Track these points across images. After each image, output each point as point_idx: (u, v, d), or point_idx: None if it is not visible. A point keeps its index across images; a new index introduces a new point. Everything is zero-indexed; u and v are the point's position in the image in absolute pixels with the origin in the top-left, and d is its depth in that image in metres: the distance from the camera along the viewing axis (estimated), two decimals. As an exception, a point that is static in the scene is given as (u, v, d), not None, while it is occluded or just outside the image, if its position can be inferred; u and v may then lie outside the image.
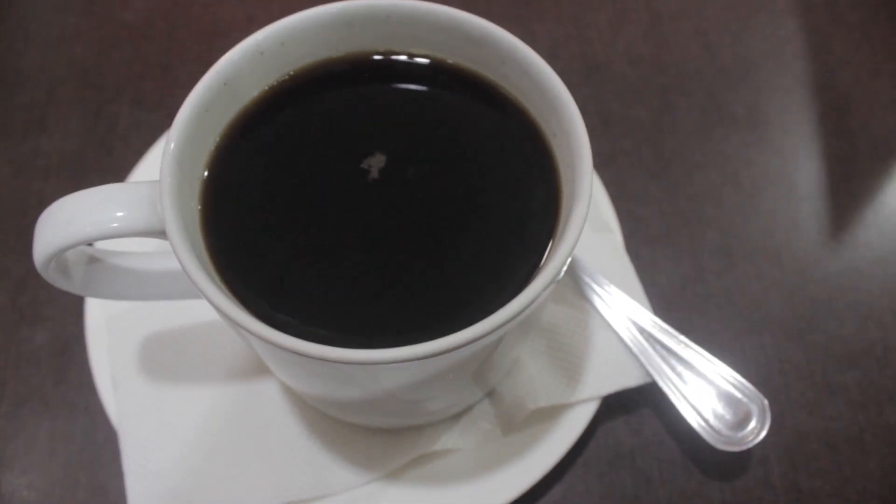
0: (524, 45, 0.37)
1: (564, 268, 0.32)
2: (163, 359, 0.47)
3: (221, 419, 0.45)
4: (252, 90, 0.38)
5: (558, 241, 0.33)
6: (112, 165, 0.60)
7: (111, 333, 0.47)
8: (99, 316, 0.48)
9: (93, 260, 0.39)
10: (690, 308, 0.54)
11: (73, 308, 0.52)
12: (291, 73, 0.39)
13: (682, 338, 0.47)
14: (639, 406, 0.50)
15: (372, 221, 0.36)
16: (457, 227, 0.36)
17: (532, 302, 0.31)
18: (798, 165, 0.60)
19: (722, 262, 0.56)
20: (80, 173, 0.60)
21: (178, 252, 0.31)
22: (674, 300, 0.54)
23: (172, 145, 0.33)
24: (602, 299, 0.48)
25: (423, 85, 0.40)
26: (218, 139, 0.37)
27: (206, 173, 0.36)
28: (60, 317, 0.53)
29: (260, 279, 0.34)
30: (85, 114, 0.63)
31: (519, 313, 0.30)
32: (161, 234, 0.33)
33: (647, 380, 0.47)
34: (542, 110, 0.37)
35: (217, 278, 0.33)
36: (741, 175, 0.60)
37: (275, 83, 0.39)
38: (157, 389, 0.46)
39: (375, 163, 0.37)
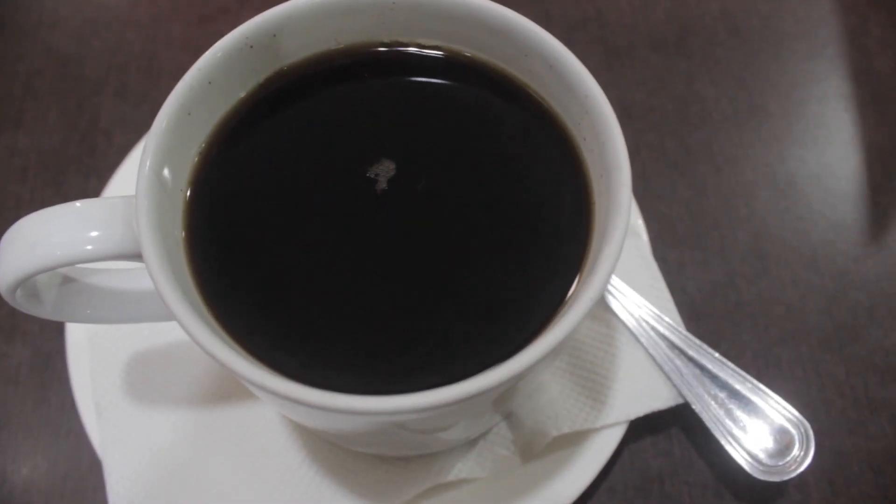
0: (550, 37, 0.32)
1: (599, 297, 0.28)
2: (149, 380, 0.43)
3: (214, 446, 0.42)
4: (240, 90, 0.34)
5: (592, 267, 0.29)
6: (95, 165, 0.56)
7: (93, 352, 0.43)
8: (80, 333, 0.44)
9: (67, 280, 0.35)
10: (721, 317, 0.50)
11: (53, 321, 0.48)
12: (285, 69, 0.35)
13: (717, 355, 0.43)
14: (667, 425, 0.46)
15: (379, 240, 0.31)
16: (475, 249, 0.31)
17: (561, 341, 0.27)
18: (836, 160, 0.56)
19: (754, 266, 0.52)
20: (59, 174, 0.55)
21: (158, 284, 0.27)
22: (703, 308, 0.50)
23: (149, 159, 0.29)
24: (629, 312, 0.44)
25: (434, 81, 0.35)
26: (203, 147, 0.32)
27: (189, 187, 0.31)
28: (40, 331, 0.49)
29: (254, 311, 0.30)
30: (64, 108, 0.58)
31: (547, 354, 0.26)
32: (139, 257, 0.29)
33: (679, 401, 0.43)
34: (572, 111, 0.33)
35: (204, 310, 0.29)
36: (775, 171, 0.55)
37: (266, 81, 0.34)
38: (144, 414, 0.42)
39: (383, 171, 0.32)
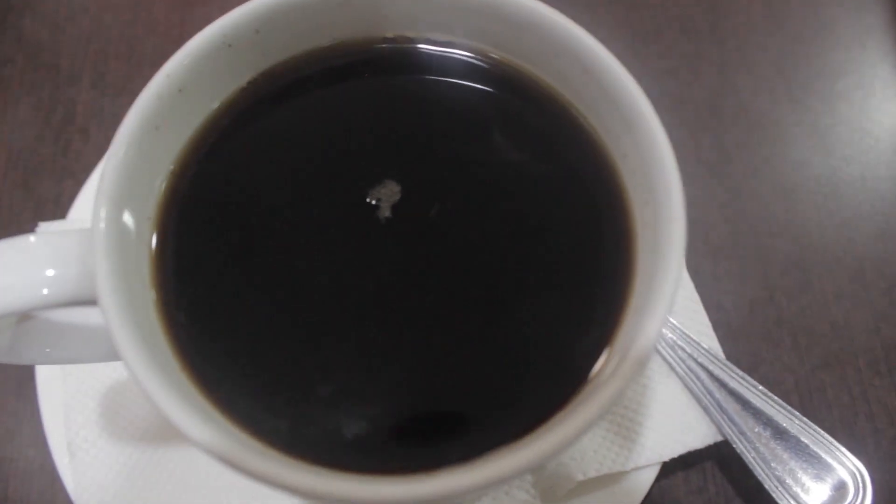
0: (587, 35, 0.27)
1: (643, 367, 0.23)
2: (127, 416, 0.39)
3: (200, 492, 0.37)
4: (217, 97, 0.29)
5: (635, 325, 0.24)
6: (69, 165, 0.51)
7: (66, 384, 0.39)
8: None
9: (21, 318, 0.30)
10: (759, 337, 0.45)
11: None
12: (269, 70, 0.29)
13: (760, 388, 0.39)
14: (700, 458, 0.42)
15: (382, 284, 0.26)
16: (495, 297, 0.26)
17: (597, 416, 0.22)
18: (884, 160, 0.51)
19: (796, 279, 0.47)
20: (31, 175, 0.51)
21: (118, 343, 0.22)
22: (740, 327, 0.45)
23: (107, 183, 0.24)
24: (661, 338, 0.40)
25: (445, 85, 0.30)
26: (172, 170, 0.27)
27: (156, 230, 0.26)
28: (9, 353, 0.44)
29: (235, 370, 0.25)
30: (37, 100, 0.53)
31: (579, 433, 0.22)
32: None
33: (718, 439, 0.39)
34: (610, 123, 0.28)
35: (177, 369, 0.24)
36: (817, 172, 0.50)
37: (248, 86, 0.29)
38: (122, 454, 0.38)
39: (386, 196, 0.27)
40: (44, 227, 0.43)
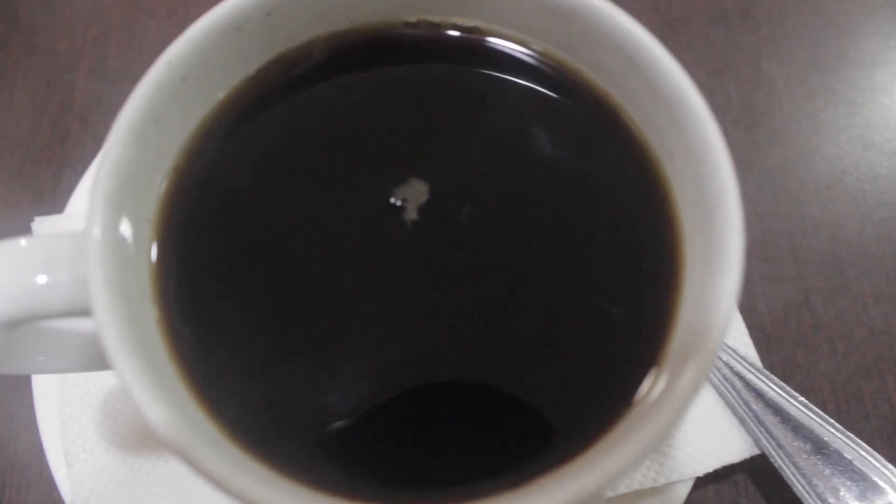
0: (631, 22, 0.24)
1: (693, 396, 0.21)
2: (127, 424, 0.36)
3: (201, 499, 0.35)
4: (223, 86, 0.26)
5: (689, 332, 0.22)
6: (68, 154, 0.48)
7: (63, 390, 0.37)
8: (45, 366, 0.37)
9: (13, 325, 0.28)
10: (794, 342, 0.43)
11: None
12: (281, 57, 0.27)
13: (800, 399, 0.36)
14: (733, 471, 0.40)
15: (406, 292, 0.24)
16: (528, 304, 0.24)
17: (648, 448, 0.20)
18: (927, 154, 0.48)
19: (832, 280, 0.45)
20: (27, 165, 0.48)
21: (117, 369, 0.20)
22: (774, 332, 0.43)
23: (103, 185, 0.22)
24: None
25: (472, 73, 0.28)
26: (175, 164, 0.25)
27: (159, 222, 0.24)
28: (4, 354, 0.42)
29: (249, 396, 0.23)
30: (33, 87, 0.50)
31: (628, 466, 0.19)
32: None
33: (754, 452, 0.36)
34: (655, 119, 0.25)
35: (183, 393, 0.22)
36: (855, 167, 0.48)
37: (258, 75, 0.27)
38: (122, 464, 0.36)
39: (412, 196, 0.25)
40: (40, 221, 0.41)
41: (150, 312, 0.22)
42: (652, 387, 0.22)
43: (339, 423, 0.22)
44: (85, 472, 0.35)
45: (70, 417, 0.36)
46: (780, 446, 0.36)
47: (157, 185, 0.24)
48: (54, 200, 0.47)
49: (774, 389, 0.36)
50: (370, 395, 0.23)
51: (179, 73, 0.25)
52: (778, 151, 0.48)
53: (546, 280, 0.24)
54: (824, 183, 0.47)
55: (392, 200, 0.25)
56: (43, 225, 0.41)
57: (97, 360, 0.30)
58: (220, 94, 0.26)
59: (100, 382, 0.37)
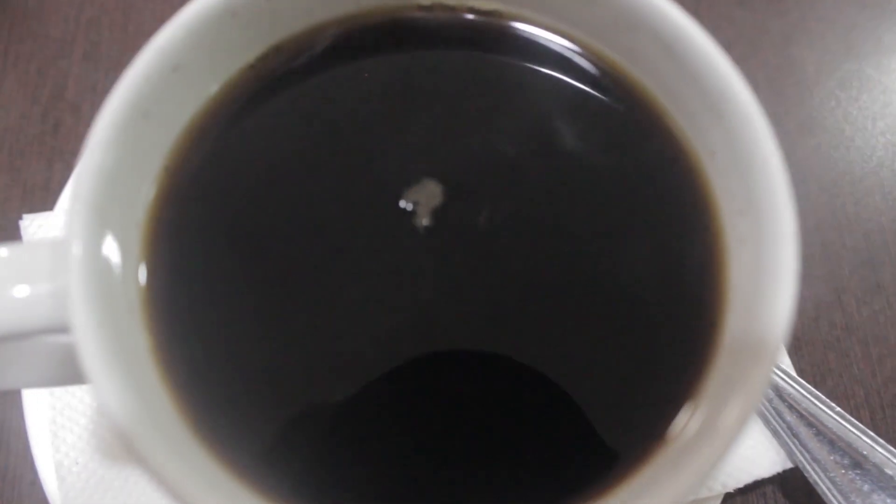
0: (670, 5, 0.22)
1: (752, 412, 0.19)
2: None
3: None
4: (218, 77, 0.24)
5: (734, 359, 0.20)
6: (60, 145, 0.46)
7: (54, 399, 0.35)
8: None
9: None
10: (826, 346, 0.41)
11: None
12: (281, 44, 0.25)
13: (837, 409, 0.34)
14: (762, 484, 0.38)
15: (419, 308, 0.22)
16: (551, 324, 0.22)
17: (686, 490, 0.18)
18: (967, 145, 0.45)
19: (866, 280, 0.42)
20: (17, 158, 0.46)
21: (106, 408, 0.18)
22: (805, 334, 0.41)
23: (85, 191, 0.20)
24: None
25: (492, 62, 0.25)
26: (166, 165, 0.22)
27: (148, 232, 0.22)
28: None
29: (254, 431, 0.20)
30: (23, 74, 0.48)
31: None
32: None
33: (787, 466, 0.34)
34: (695, 113, 0.23)
35: (182, 429, 0.20)
36: (893, 158, 0.45)
37: (255, 63, 0.24)
38: (117, 478, 0.34)
39: (425, 198, 0.23)
40: (29, 219, 0.39)
41: (141, 340, 0.20)
42: (690, 420, 0.20)
43: (356, 461, 0.20)
44: (78, 486, 0.33)
45: (62, 428, 0.34)
46: (815, 460, 0.34)
47: (146, 188, 0.21)
48: (46, 196, 0.45)
49: (809, 399, 0.34)
50: (384, 428, 0.21)
51: (170, 63, 0.22)
52: (808, 142, 0.45)
53: (572, 296, 0.22)
54: (858, 176, 0.45)
55: (402, 204, 0.23)
56: (32, 223, 0.39)
57: (80, 374, 0.28)
58: (216, 86, 0.24)
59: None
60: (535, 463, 0.21)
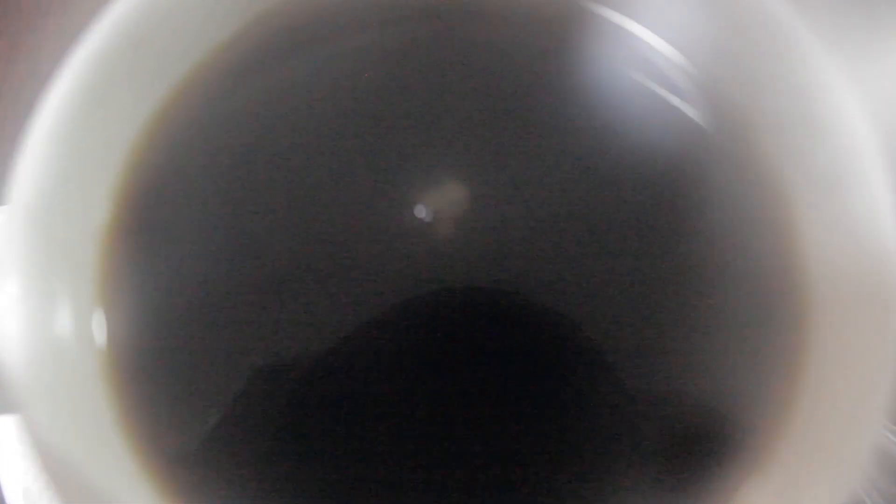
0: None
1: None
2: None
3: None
4: (189, 56, 0.19)
5: (807, 444, 0.16)
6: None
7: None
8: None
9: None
10: None
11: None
12: (263, 17, 0.20)
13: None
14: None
15: (436, 339, 0.18)
16: (581, 372, 0.18)
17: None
18: None
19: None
20: (-14, 142, 0.42)
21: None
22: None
23: (28, 196, 0.16)
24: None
25: (517, 44, 0.21)
26: (123, 165, 0.18)
27: (105, 243, 0.17)
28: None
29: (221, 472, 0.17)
30: (-8, 49, 0.44)
31: None
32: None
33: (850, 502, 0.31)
34: (782, 129, 0.18)
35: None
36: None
37: (231, 40, 0.20)
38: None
39: (444, 207, 0.18)
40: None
41: (86, 320, 0.16)
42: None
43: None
44: (49, 514, 0.30)
45: (26, 456, 0.31)
46: (878, 491, 0.30)
47: (105, 187, 0.17)
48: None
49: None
50: (392, 480, 0.17)
51: (129, 40, 0.18)
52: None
53: (618, 342, 0.18)
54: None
55: (417, 213, 0.18)
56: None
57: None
58: (185, 67, 0.19)
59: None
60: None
